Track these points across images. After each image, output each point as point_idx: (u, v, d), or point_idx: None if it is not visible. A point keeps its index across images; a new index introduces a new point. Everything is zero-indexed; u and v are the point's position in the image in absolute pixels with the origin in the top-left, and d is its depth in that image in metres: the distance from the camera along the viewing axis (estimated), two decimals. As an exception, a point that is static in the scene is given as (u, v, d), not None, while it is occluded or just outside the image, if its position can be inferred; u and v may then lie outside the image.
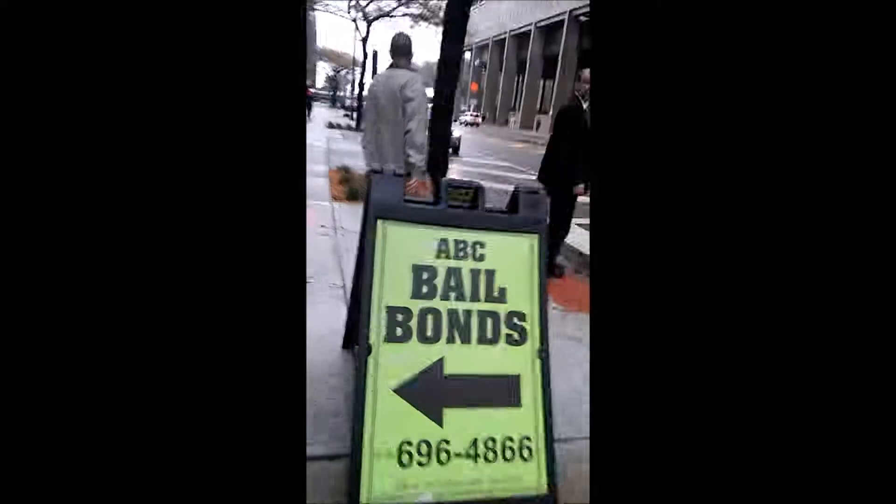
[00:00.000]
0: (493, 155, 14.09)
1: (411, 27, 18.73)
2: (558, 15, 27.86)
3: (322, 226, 4.19)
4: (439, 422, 1.41)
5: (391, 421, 1.37)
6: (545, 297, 1.60)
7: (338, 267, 3.35)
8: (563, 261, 4.07)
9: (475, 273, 1.55)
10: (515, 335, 1.55)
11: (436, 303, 1.50)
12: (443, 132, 4.09)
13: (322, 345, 2.25)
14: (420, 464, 1.37)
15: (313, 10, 18.89)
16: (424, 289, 1.50)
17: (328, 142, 11.57)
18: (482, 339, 1.52)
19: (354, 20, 18.51)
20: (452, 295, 1.52)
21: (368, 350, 1.40)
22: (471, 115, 33.73)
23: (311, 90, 28.47)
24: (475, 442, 1.43)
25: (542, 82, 31.72)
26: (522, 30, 33.16)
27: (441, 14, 16.81)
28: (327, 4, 18.26)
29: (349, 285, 3.01)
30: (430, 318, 1.48)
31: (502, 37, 36.45)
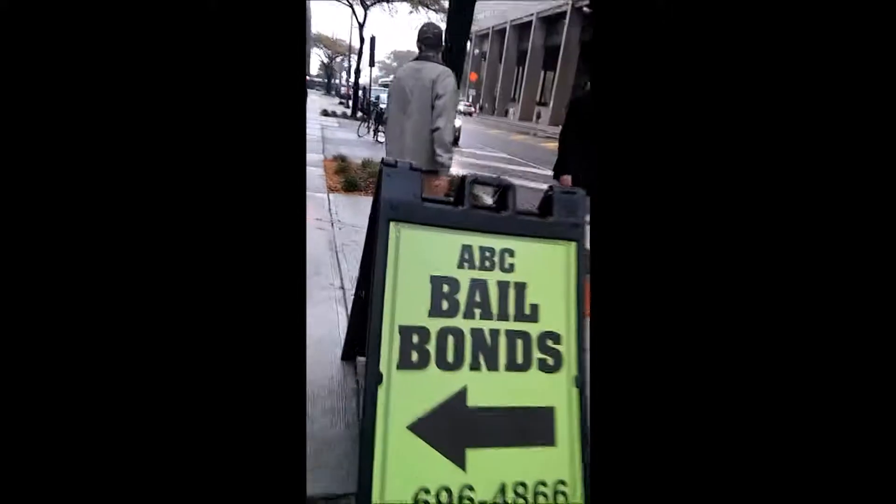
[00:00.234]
0: (490, 147, 13.84)
1: (410, 13, 18.35)
2: (561, 5, 27.47)
3: (318, 219, 3.94)
4: (462, 465, 1.19)
5: (405, 465, 1.15)
6: (583, 316, 1.37)
7: (335, 264, 3.13)
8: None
9: (503, 286, 1.32)
10: (549, 360, 1.32)
11: (458, 321, 1.27)
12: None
13: (320, 356, 2.02)
14: (438, 515, 1.15)
15: (309, -6, 18.44)
16: (444, 304, 1.26)
17: (322, 130, 11.31)
18: (511, 365, 1.29)
19: (352, 5, 18.05)
20: (477, 312, 1.29)
21: (378, 379, 1.17)
22: (464, 104, 32.36)
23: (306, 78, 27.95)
24: (503, 488, 1.21)
25: (542, 73, 31.33)
26: (524, 20, 32.66)
27: (442, 1, 16.46)
28: (323, -11, 17.84)
29: (348, 285, 2.80)
30: (450, 340, 1.25)
31: (503, 26, 35.96)
